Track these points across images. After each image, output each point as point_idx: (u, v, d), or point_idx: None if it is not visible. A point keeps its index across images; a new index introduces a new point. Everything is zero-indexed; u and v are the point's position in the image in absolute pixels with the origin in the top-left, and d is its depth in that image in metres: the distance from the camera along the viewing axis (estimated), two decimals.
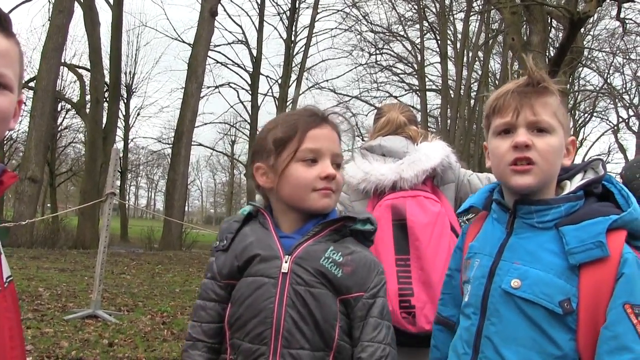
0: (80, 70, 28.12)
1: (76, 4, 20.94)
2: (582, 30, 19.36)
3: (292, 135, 1.76)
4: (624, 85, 30.25)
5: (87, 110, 23.60)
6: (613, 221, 1.52)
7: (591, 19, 19.23)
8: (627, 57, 25.43)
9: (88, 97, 24.17)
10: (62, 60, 22.38)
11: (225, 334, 1.76)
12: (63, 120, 32.67)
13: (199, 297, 1.84)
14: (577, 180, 1.68)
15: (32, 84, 21.62)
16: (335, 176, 1.75)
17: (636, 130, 33.57)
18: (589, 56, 25.85)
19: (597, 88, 30.24)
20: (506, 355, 1.56)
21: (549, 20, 16.54)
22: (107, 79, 23.78)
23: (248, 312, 1.69)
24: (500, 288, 1.60)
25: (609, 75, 28.54)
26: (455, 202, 2.82)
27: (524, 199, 1.64)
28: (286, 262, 1.69)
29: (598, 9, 17.02)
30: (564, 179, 1.70)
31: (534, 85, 1.65)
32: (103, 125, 22.42)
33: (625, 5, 16.98)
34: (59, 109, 30.51)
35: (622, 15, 18.26)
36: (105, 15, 31.64)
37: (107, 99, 23.90)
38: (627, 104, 31.93)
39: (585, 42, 23.80)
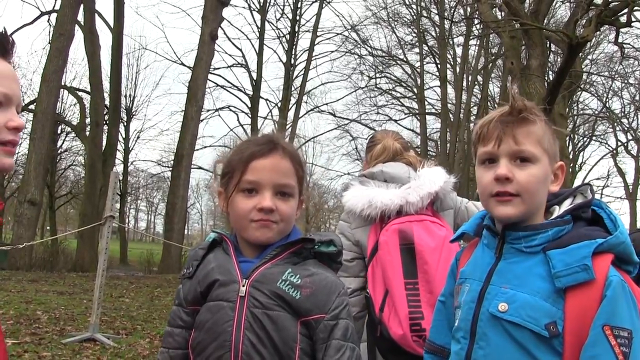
0: (80, 93, 28.22)
1: (77, 27, 21.10)
2: (581, 54, 19.50)
3: (237, 165, 1.81)
4: (623, 109, 30.32)
5: (87, 133, 23.67)
6: (599, 244, 1.54)
7: (589, 43, 19.36)
8: (626, 81, 25.50)
9: (88, 120, 24.27)
10: (62, 83, 22.50)
11: (190, 358, 1.78)
12: (63, 142, 32.69)
13: (168, 323, 1.87)
14: (566, 205, 1.70)
15: (32, 107, 21.70)
16: (272, 209, 1.75)
17: (635, 154, 33.66)
18: (588, 80, 25.97)
19: (596, 112, 30.32)
20: None
21: (548, 45, 16.69)
22: (107, 102, 23.88)
23: (208, 336, 1.72)
24: (488, 312, 1.61)
25: (607, 99, 28.65)
26: (454, 228, 2.84)
27: (513, 224, 1.66)
28: (243, 285, 1.72)
29: (596, 33, 17.17)
30: (554, 204, 1.72)
31: (514, 114, 1.66)
32: (103, 148, 22.47)
33: (623, 30, 17.07)
34: (59, 131, 30.56)
35: (620, 40, 18.36)
36: (105, 39, 31.86)
37: (107, 122, 23.96)
38: (626, 128, 32.00)
39: (583, 66, 23.94)
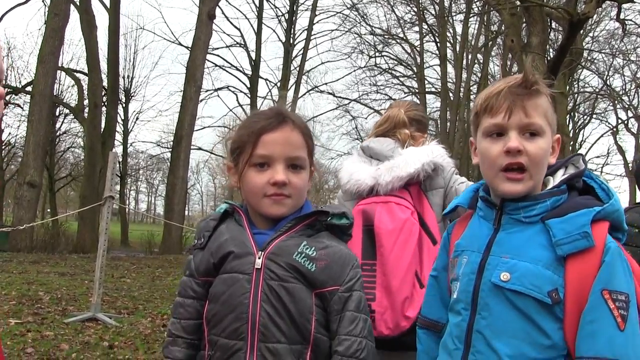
0: (77, 75, 28.11)
1: (72, 7, 20.94)
2: (582, 31, 19.37)
3: (247, 140, 1.80)
4: (624, 87, 30.26)
5: (86, 115, 23.58)
6: (597, 212, 1.56)
7: (591, 20, 19.21)
8: (627, 58, 25.42)
9: (86, 102, 24.16)
10: (60, 64, 22.39)
11: (203, 330, 1.79)
12: (62, 124, 32.63)
13: (178, 294, 1.87)
14: (560, 176, 1.71)
15: (29, 89, 21.60)
16: (285, 182, 1.76)
17: (635, 132, 33.61)
18: (589, 58, 25.85)
19: (597, 90, 30.26)
20: (498, 348, 1.58)
21: (549, 22, 16.54)
22: (105, 83, 23.76)
23: (224, 308, 1.73)
24: (490, 282, 1.62)
25: (608, 77, 28.55)
26: (443, 209, 2.71)
27: None
28: (259, 258, 1.73)
29: (598, 10, 17.04)
30: (547, 175, 1.72)
31: (528, 86, 1.65)
32: (101, 130, 22.41)
33: (625, 5, 16.97)
34: (57, 113, 30.48)
35: (622, 16, 18.25)
36: (102, 19, 31.62)
37: (106, 103, 23.88)
38: (627, 106, 31.95)
39: (584, 44, 23.84)
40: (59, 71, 23.52)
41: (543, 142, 1.64)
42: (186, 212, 34.88)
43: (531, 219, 1.63)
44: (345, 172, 2.77)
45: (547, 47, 16.86)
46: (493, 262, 1.63)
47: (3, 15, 26.54)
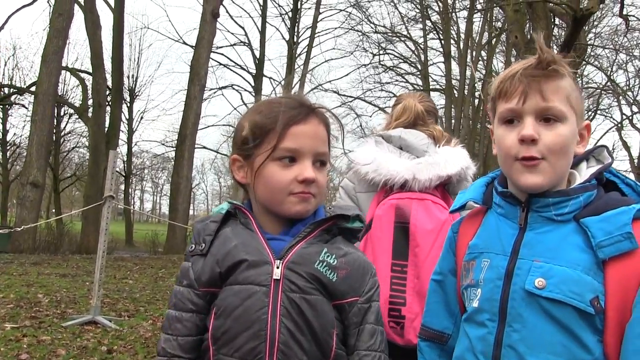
0: (82, 74, 28.15)
1: (77, 7, 20.92)
2: (585, 27, 19.21)
3: (271, 129, 1.58)
4: (628, 82, 30.00)
5: (90, 115, 23.57)
6: (637, 210, 1.41)
7: (594, 16, 19.07)
8: (631, 54, 25.23)
9: (90, 101, 24.14)
10: (64, 65, 22.38)
11: (208, 349, 1.57)
12: (66, 124, 32.72)
13: (172, 306, 1.64)
14: (584, 169, 1.56)
15: (33, 89, 21.60)
16: (314, 180, 1.58)
17: None
18: (592, 53, 25.67)
19: (601, 85, 30.04)
20: None
21: (552, 18, 16.42)
22: (109, 83, 23.75)
23: (238, 324, 1.52)
24: (523, 289, 1.44)
25: (612, 73, 28.37)
26: None
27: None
28: (278, 267, 1.53)
29: (601, 6, 16.89)
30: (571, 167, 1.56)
31: (544, 67, 1.48)
32: (106, 129, 22.38)
33: (628, 1, 16.86)
34: (62, 113, 30.53)
35: (625, 12, 18.09)
36: (106, 18, 31.61)
37: (110, 103, 23.88)
38: (631, 101, 31.67)
39: (588, 40, 23.64)
40: (63, 71, 23.50)
41: (564, 129, 1.46)
42: (191, 212, 34.83)
43: (563, 217, 1.47)
44: (368, 159, 2.57)
45: (551, 43, 16.73)
46: (524, 267, 1.46)
47: (9, 17, 26.65)
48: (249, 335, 1.51)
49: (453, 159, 2.56)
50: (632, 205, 1.43)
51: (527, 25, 15.96)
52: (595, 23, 26.08)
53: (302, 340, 1.51)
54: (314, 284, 1.54)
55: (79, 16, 21.90)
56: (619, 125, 33.74)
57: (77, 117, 29.36)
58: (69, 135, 34.15)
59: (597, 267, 1.40)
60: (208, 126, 32.46)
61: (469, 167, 2.60)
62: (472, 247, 1.63)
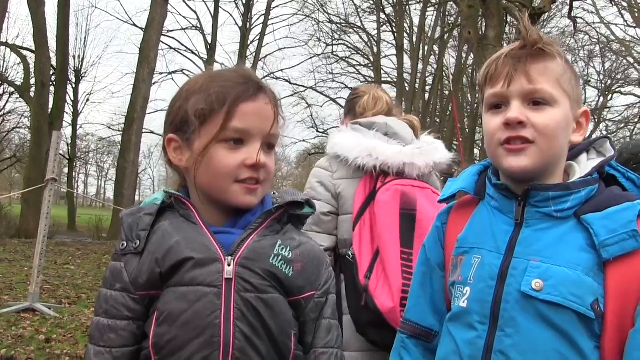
0: (24, 52, 27.06)
1: None
2: (536, 27, 19.59)
3: (218, 107, 1.40)
4: None
5: (32, 95, 22.75)
6: None
7: (544, 16, 19.46)
8: (576, 55, 25.95)
9: (33, 81, 23.29)
10: (4, 40, 21.51)
11: (149, 359, 1.39)
12: (6, 104, 31.51)
13: (102, 314, 1.42)
14: (584, 161, 1.46)
15: None
16: (264, 165, 1.42)
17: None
18: None
19: None
20: None
21: (505, 17, 16.67)
22: (53, 62, 22.96)
23: (186, 331, 1.34)
24: (518, 291, 1.34)
25: None
26: None
27: (537, 184, 1.39)
28: (229, 265, 1.37)
29: (552, 5, 17.25)
30: (568, 158, 1.47)
31: (530, 48, 1.39)
32: (49, 110, 21.66)
33: (576, 4, 17.22)
34: (1, 92, 29.40)
35: (573, 14, 18.51)
36: None
37: (54, 83, 23.10)
38: None
39: None
40: (3, 47, 22.59)
41: (555, 113, 1.36)
42: (137, 197, 34.17)
43: (564, 213, 1.37)
44: (357, 146, 2.49)
45: (503, 41, 16.99)
46: (519, 266, 1.35)
47: None
48: (199, 343, 1.34)
49: (441, 147, 2.59)
50: (636, 201, 1.34)
51: (480, 21, 16.16)
52: (545, 24, 26.68)
53: (260, 345, 1.37)
54: (270, 282, 1.40)
55: None
56: None
57: (19, 96, 28.32)
58: (9, 115, 32.95)
59: (598, 267, 1.31)
60: (157, 111, 31.73)
61: (450, 157, 2.62)
62: (461, 240, 1.52)
